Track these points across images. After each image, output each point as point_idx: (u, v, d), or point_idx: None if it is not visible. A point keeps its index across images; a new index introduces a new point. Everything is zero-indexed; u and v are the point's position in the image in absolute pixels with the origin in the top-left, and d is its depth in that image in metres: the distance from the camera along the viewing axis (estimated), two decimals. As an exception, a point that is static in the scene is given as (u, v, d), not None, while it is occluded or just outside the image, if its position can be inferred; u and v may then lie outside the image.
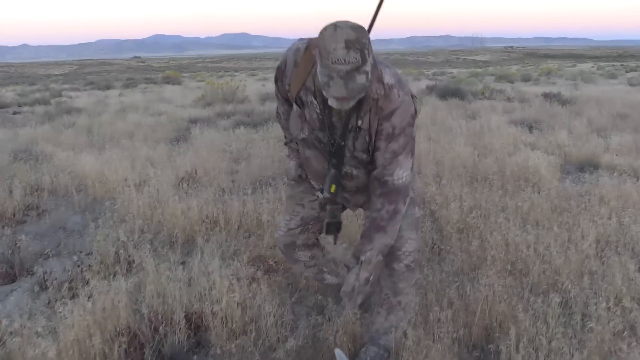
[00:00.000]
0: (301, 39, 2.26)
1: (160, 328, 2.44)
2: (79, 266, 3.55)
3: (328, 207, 2.34)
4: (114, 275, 3.13)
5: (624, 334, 2.38)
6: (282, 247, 2.64)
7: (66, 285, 3.10)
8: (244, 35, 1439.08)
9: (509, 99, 12.18)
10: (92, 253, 3.82)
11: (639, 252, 3.39)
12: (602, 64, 45.30)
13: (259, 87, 19.83)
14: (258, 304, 2.72)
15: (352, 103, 2.05)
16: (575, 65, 42.06)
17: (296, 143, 2.48)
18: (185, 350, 2.45)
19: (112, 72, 41.83)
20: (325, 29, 1.92)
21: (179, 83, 27.01)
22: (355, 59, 1.88)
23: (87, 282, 2.95)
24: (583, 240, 3.34)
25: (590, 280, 2.83)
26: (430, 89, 13.12)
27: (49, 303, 3.09)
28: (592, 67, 43.78)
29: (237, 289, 2.71)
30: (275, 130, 8.01)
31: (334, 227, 2.37)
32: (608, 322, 2.40)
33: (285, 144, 2.61)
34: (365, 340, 2.47)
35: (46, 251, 4.16)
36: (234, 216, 3.96)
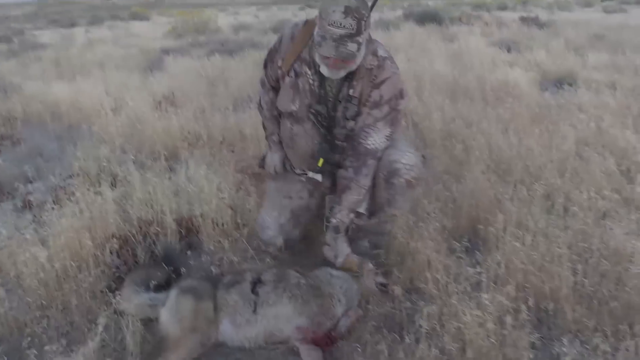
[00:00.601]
0: (302, 21, 2.34)
1: (151, 229, 2.44)
2: (62, 184, 3.52)
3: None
4: (100, 188, 3.09)
5: (605, 219, 2.47)
6: (277, 249, 2.53)
7: (51, 199, 3.05)
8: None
9: (486, 24, 12.02)
10: (74, 174, 3.77)
11: (617, 152, 3.47)
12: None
13: (230, 20, 19.20)
14: (249, 208, 2.73)
15: (342, 73, 2.14)
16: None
17: (278, 135, 2.51)
18: (178, 250, 2.46)
19: (75, 11, 39.73)
20: None
21: (147, 19, 25.92)
22: (351, 25, 1.96)
23: (73, 195, 2.90)
24: (563, 142, 3.39)
25: (571, 175, 2.90)
26: (407, 16, 12.86)
27: (34, 218, 3.06)
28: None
29: (226, 192, 2.70)
30: (252, 56, 7.82)
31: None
32: (589, 208, 2.48)
33: (266, 137, 2.59)
34: (353, 236, 2.50)
35: (25, 175, 4.12)
36: (216, 131, 3.91)
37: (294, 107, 2.33)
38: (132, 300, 2.01)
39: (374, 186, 2.39)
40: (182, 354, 1.80)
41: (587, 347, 1.79)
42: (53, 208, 2.70)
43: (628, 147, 3.40)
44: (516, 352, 1.70)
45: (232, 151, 3.75)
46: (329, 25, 1.98)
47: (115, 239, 2.34)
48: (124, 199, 2.85)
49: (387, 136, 2.26)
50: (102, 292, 2.13)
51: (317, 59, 2.15)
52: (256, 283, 2.01)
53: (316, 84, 2.26)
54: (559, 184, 2.79)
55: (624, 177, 2.99)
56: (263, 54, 7.70)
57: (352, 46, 2.00)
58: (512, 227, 2.25)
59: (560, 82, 6.00)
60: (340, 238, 2.25)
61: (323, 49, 2.02)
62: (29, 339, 1.92)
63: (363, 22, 2.00)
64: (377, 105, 2.21)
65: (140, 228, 2.55)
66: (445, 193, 2.72)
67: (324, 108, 2.29)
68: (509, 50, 7.82)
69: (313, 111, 2.31)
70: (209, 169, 3.06)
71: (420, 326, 1.80)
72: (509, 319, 1.71)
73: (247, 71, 6.54)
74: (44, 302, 2.11)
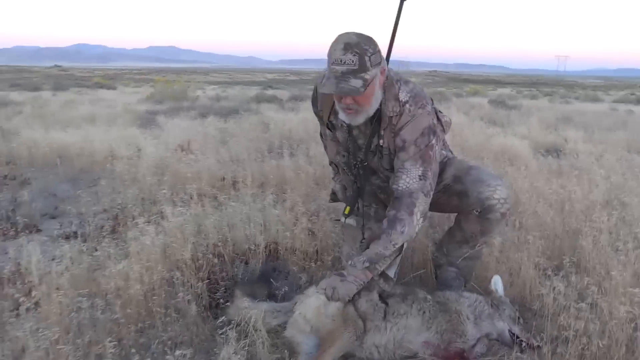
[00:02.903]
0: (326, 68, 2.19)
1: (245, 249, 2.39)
2: (97, 218, 3.38)
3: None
4: (157, 219, 2.98)
5: None
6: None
7: (107, 226, 2.93)
8: (172, 49, 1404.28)
9: (457, 106, 12.78)
10: (107, 209, 3.64)
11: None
12: (520, 88, 48.58)
13: (201, 92, 19.53)
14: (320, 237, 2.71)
15: (360, 118, 2.11)
16: (496, 89, 44.67)
17: (335, 165, 2.50)
18: (271, 270, 2.40)
19: (32, 79, 39.31)
20: (337, 36, 2.01)
21: (115, 88, 26.00)
22: (352, 61, 1.94)
23: (134, 221, 2.79)
24: (597, 189, 3.59)
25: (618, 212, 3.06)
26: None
27: (86, 244, 2.89)
28: (511, 91, 46.64)
29: (301, 221, 2.69)
30: (250, 119, 7.95)
31: None
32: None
33: (329, 164, 2.59)
34: (441, 262, 2.51)
35: (45, 213, 3.94)
36: (252, 173, 3.91)
37: (340, 158, 2.37)
38: (251, 308, 1.92)
39: (464, 220, 2.40)
40: (339, 346, 1.72)
41: None
42: (106, 237, 2.59)
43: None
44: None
45: (283, 192, 3.71)
46: (332, 64, 1.97)
47: (212, 256, 2.27)
48: (193, 223, 2.76)
49: (420, 175, 2.15)
50: (211, 303, 2.03)
51: (337, 106, 2.14)
52: (384, 294, 1.97)
53: (346, 134, 2.28)
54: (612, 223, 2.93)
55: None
56: (260, 117, 7.85)
57: (355, 82, 1.95)
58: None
59: (551, 151, 6.40)
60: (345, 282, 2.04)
61: (325, 87, 2.00)
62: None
63: (367, 58, 1.96)
64: (402, 149, 2.17)
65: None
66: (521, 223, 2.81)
67: (354, 157, 2.30)
68: (493, 125, 8.31)
69: (343, 160, 2.35)
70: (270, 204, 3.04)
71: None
72: None
73: (250, 131, 6.64)
74: (143, 311, 1.98)
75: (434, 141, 2.17)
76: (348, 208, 2.28)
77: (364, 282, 2.03)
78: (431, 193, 2.17)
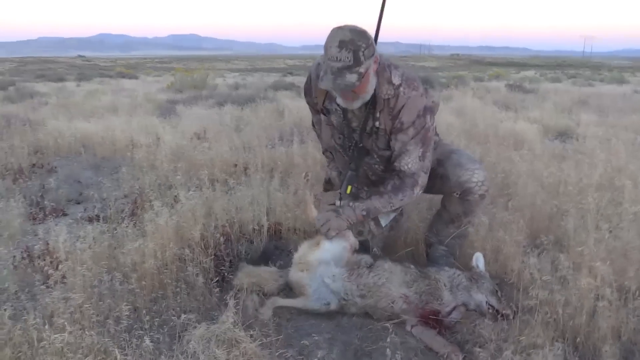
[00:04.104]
0: (322, 55, 2.36)
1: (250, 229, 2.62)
2: (120, 202, 3.64)
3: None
4: (172, 203, 3.22)
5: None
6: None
7: (127, 209, 3.18)
8: (193, 37, 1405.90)
9: (474, 90, 12.79)
10: (128, 194, 3.91)
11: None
12: (544, 71, 47.80)
13: (220, 81, 19.79)
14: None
15: (357, 103, 2.30)
16: (519, 72, 44.11)
17: (330, 153, 2.68)
18: (272, 248, 2.63)
19: (57, 69, 40.06)
20: (332, 29, 2.18)
21: (136, 77, 26.47)
22: (347, 58, 2.11)
23: (150, 204, 3.03)
24: (595, 171, 3.71)
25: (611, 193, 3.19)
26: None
27: (108, 225, 3.15)
28: (535, 73, 45.90)
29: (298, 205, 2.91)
30: (265, 106, 8.16)
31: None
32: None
33: (323, 152, 2.79)
34: (431, 240, 2.71)
35: (70, 198, 4.23)
36: (262, 159, 4.13)
37: (335, 142, 2.55)
38: (256, 273, 2.25)
39: (447, 201, 2.61)
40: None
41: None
42: (127, 219, 2.84)
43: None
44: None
45: (288, 177, 3.93)
46: (328, 59, 2.14)
47: (219, 235, 2.50)
48: (204, 206, 2.99)
49: (420, 156, 2.36)
50: (217, 276, 2.28)
51: (334, 93, 2.31)
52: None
53: (341, 118, 2.45)
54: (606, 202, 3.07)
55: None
56: (275, 105, 8.02)
57: (351, 77, 2.12)
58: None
59: (562, 135, 6.48)
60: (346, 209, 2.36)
61: (323, 82, 2.17)
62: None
63: (361, 53, 2.12)
64: (401, 130, 2.34)
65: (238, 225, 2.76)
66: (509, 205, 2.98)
67: (350, 140, 2.47)
68: (506, 110, 8.37)
69: (339, 143, 2.53)
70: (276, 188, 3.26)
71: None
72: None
73: (265, 119, 6.85)
74: (156, 283, 2.24)
75: (430, 122, 2.38)
76: (350, 187, 2.45)
77: (355, 223, 2.38)
78: (429, 167, 2.43)
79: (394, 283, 2.18)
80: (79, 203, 4.13)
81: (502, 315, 2.09)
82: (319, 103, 2.52)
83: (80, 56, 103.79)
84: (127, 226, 2.68)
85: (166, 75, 28.28)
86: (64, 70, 37.09)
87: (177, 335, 1.86)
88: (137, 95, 11.94)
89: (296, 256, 2.34)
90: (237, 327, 1.79)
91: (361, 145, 2.45)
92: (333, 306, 2.19)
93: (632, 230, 2.57)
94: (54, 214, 3.79)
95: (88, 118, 7.45)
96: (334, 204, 2.47)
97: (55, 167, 5.00)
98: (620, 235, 2.49)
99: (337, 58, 2.12)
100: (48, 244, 2.65)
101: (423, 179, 2.40)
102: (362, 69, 2.14)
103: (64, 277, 2.13)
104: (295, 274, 2.28)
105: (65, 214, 3.81)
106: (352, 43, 2.12)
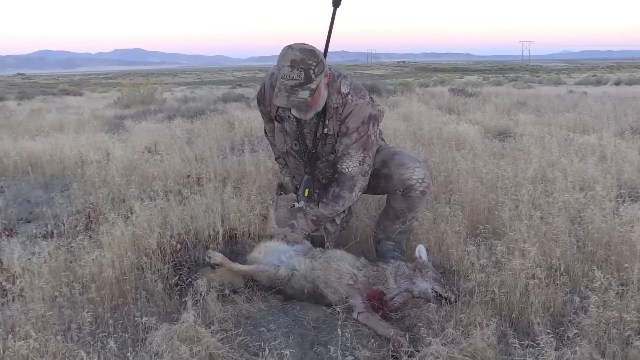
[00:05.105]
0: (275, 66, 2.51)
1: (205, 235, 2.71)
2: (72, 218, 3.63)
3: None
4: (127, 214, 3.26)
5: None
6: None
7: (81, 224, 3.20)
8: (138, 51, 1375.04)
9: (419, 95, 13.21)
10: (80, 210, 3.89)
11: (570, 172, 4.08)
12: (486, 75, 49.71)
13: (169, 95, 19.59)
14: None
15: (310, 114, 2.48)
16: (463, 77, 45.77)
17: (283, 159, 2.85)
18: (228, 254, 2.72)
19: (-6, 87, 38.48)
20: (283, 48, 2.35)
21: (81, 94, 25.82)
22: (299, 76, 2.28)
23: (105, 217, 3.07)
24: (530, 166, 3.99)
25: (544, 186, 3.46)
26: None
27: (63, 240, 3.15)
28: (478, 78, 47.71)
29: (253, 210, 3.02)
30: (215, 119, 8.20)
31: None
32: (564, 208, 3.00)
33: (276, 159, 2.96)
34: (380, 237, 2.87)
35: (20, 217, 4.17)
36: (215, 169, 4.21)
37: (287, 147, 2.71)
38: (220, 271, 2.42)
39: (392, 199, 2.79)
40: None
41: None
42: (81, 233, 2.87)
43: (577, 168, 4.06)
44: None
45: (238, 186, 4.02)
46: (282, 78, 2.30)
47: (176, 243, 2.58)
48: (159, 216, 3.05)
49: (360, 161, 2.53)
50: (177, 282, 2.35)
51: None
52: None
53: (295, 125, 2.61)
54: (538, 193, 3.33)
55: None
56: (226, 117, 8.06)
57: (303, 94, 2.28)
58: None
59: (501, 135, 6.84)
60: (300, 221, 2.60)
61: (277, 99, 2.33)
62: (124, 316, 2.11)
63: (311, 71, 2.29)
64: (345, 134, 2.51)
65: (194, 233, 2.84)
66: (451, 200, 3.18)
67: (303, 146, 2.64)
68: (449, 113, 8.73)
69: (295, 149, 2.69)
70: (230, 195, 3.35)
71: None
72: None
73: (216, 130, 6.91)
74: (116, 292, 2.29)
75: (373, 129, 2.55)
76: (307, 190, 2.64)
77: (309, 232, 2.60)
78: (369, 172, 2.60)
79: (344, 263, 2.38)
80: (29, 222, 4.08)
81: (446, 299, 2.26)
82: (273, 111, 2.67)
83: (19, 74, 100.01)
84: (82, 239, 2.71)
85: (112, 91, 27.67)
86: (3, 89, 35.57)
87: (140, 336, 1.93)
88: (83, 112, 11.71)
89: (257, 246, 2.58)
90: (197, 324, 1.88)
91: (314, 150, 2.61)
92: (282, 271, 2.37)
93: (561, 216, 2.82)
94: (5, 233, 3.74)
95: (34, 137, 7.30)
96: (294, 205, 2.66)
97: (2, 188, 4.90)
98: (550, 221, 2.73)
99: (289, 77, 2.27)
100: (1, 262, 2.65)
101: (362, 182, 2.59)
102: (313, 85, 2.30)
103: (22, 290, 2.16)
104: (252, 255, 2.50)
105: (16, 233, 3.76)
106: (302, 62, 2.28)
